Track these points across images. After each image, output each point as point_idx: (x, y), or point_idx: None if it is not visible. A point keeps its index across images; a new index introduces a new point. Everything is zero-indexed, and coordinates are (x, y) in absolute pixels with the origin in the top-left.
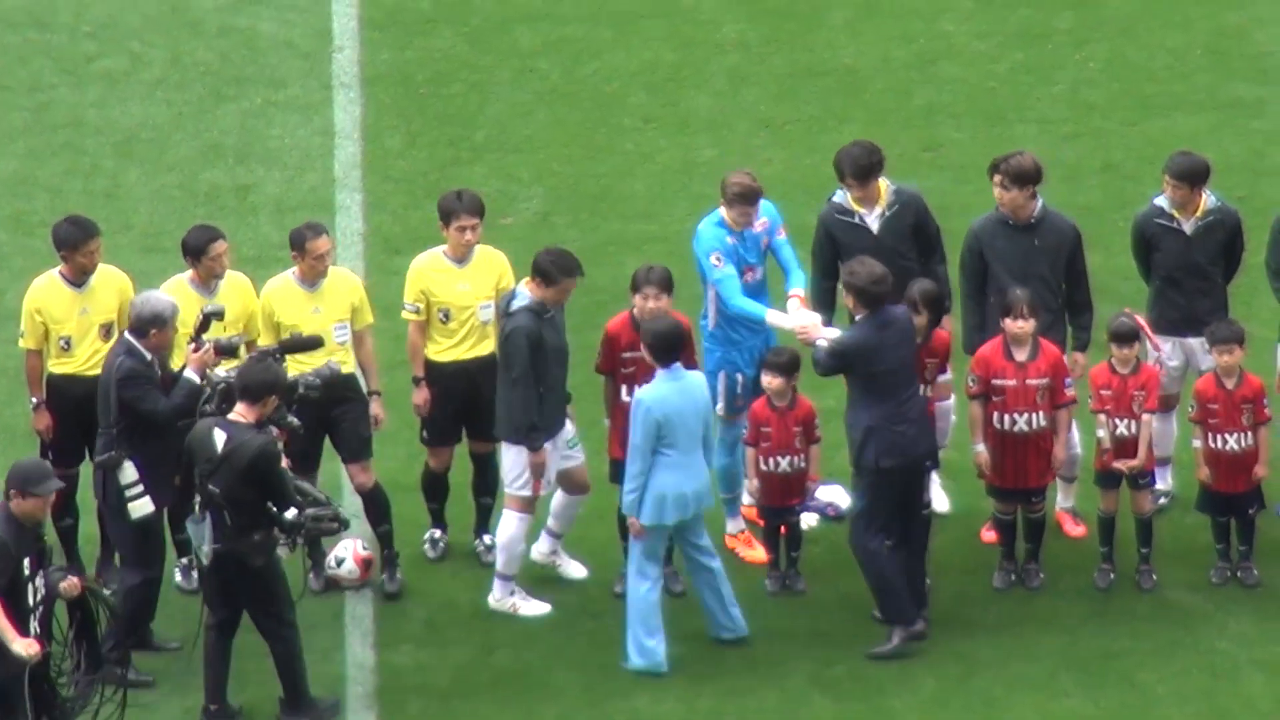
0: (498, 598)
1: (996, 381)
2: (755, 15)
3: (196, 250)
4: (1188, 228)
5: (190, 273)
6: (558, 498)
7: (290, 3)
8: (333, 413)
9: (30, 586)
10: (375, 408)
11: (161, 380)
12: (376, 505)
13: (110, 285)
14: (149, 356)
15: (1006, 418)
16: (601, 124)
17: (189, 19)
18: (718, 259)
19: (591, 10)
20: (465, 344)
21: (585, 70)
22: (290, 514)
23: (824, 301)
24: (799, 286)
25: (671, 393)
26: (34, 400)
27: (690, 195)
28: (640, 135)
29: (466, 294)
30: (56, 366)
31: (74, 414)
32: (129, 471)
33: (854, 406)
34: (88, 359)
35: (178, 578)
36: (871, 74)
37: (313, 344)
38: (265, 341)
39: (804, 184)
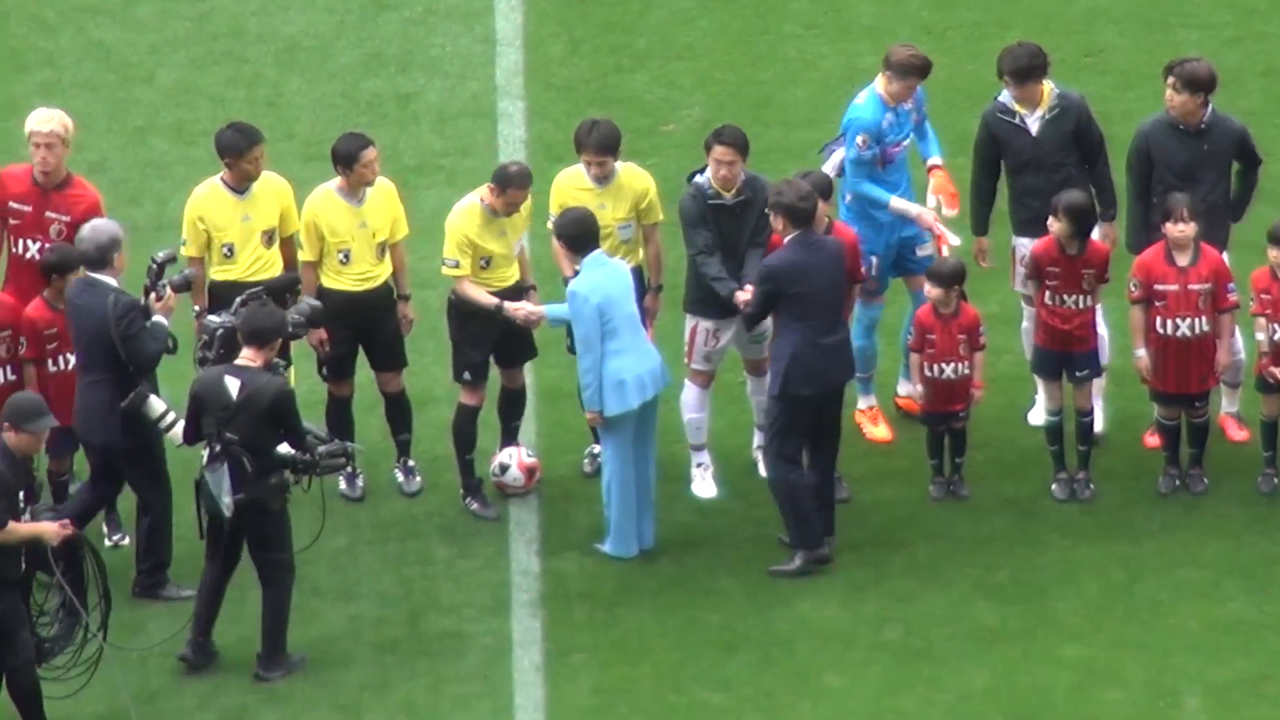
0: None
1: (1158, 286)
2: None
3: (347, 158)
4: None
5: (339, 181)
6: (753, 388)
7: None
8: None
9: (21, 519)
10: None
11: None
12: (515, 405)
13: (271, 192)
14: (130, 294)
15: (1169, 323)
16: (763, 31)
17: None
18: (864, 141)
19: None
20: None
21: None
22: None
23: (983, 198)
24: (937, 156)
25: (603, 278)
26: (196, 308)
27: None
28: (802, 42)
29: (604, 214)
30: (219, 274)
31: None
32: (156, 404)
33: (780, 333)
34: (250, 266)
35: (342, 485)
36: None
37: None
38: (454, 254)
39: (966, 90)
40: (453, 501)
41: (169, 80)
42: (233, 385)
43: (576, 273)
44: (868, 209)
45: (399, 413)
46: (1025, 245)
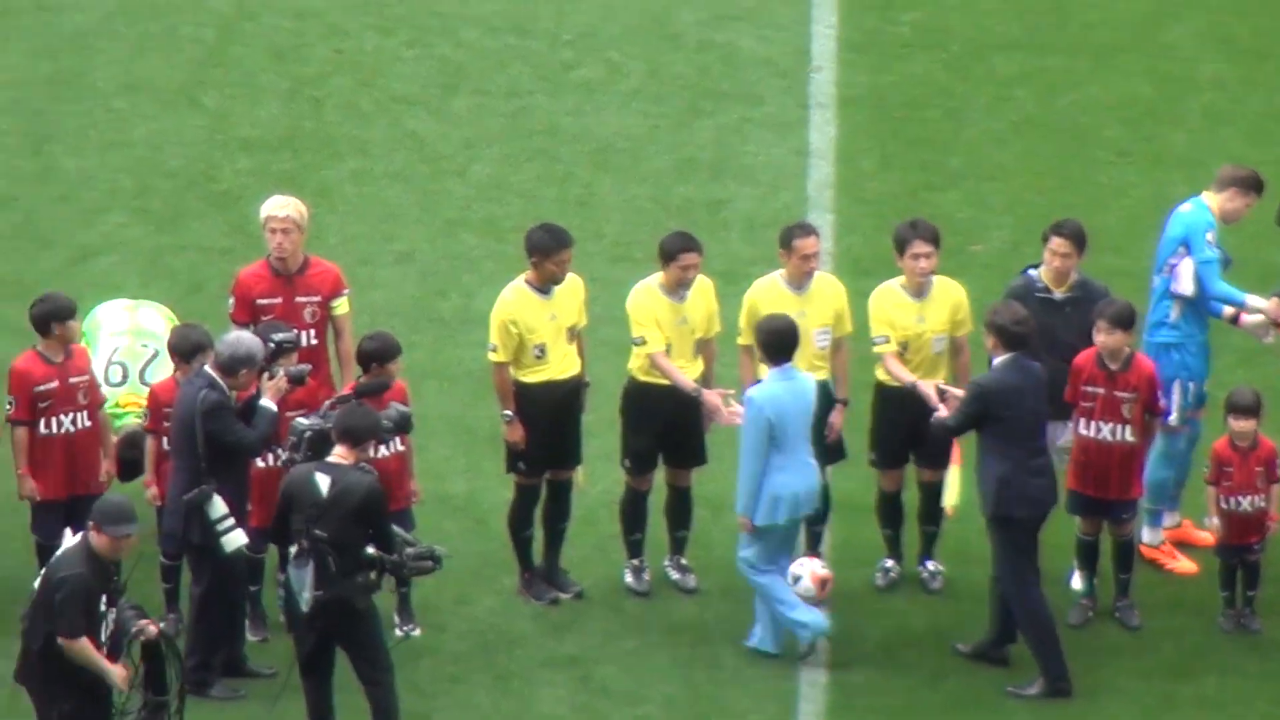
0: None
1: None
2: (1233, 55)
3: (669, 255)
4: None
5: (660, 275)
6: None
7: (770, 20)
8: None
9: (103, 623)
10: (837, 417)
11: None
12: (680, 508)
13: (569, 289)
14: (228, 390)
15: None
16: (1075, 156)
17: (669, 31)
18: (1213, 237)
19: (1071, 41)
20: (917, 373)
21: (1062, 101)
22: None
23: None
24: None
25: (783, 391)
26: (508, 414)
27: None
28: (1114, 169)
29: (921, 325)
30: (529, 375)
31: (555, 419)
32: (219, 505)
33: (986, 455)
34: (560, 364)
35: (628, 578)
36: None
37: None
38: (746, 340)
39: (1271, 224)
40: (745, 609)
41: (481, 175)
42: (323, 482)
43: (756, 381)
44: (1192, 331)
45: (681, 507)
46: None
